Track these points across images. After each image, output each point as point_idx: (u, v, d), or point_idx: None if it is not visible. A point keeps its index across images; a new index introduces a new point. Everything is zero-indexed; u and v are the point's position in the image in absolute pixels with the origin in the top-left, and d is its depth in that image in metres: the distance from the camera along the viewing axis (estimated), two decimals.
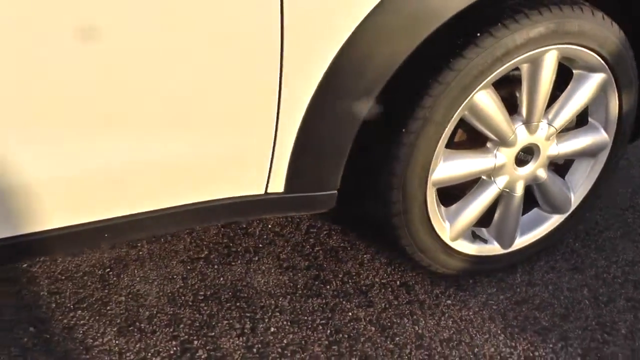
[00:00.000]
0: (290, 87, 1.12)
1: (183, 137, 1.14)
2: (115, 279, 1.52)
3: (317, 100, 1.15)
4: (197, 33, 1.04)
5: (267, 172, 1.23)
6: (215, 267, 1.54)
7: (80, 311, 1.45)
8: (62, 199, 1.11)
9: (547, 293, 1.55)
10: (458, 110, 1.28)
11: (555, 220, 1.61)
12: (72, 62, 0.99)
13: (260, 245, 1.61)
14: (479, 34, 1.25)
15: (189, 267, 1.54)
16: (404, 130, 1.25)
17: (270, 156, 1.20)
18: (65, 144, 1.06)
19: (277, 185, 1.26)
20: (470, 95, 1.28)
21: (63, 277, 1.55)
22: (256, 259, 1.57)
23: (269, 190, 1.26)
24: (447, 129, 1.29)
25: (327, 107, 1.17)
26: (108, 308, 1.45)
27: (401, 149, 1.26)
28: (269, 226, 1.67)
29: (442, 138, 1.30)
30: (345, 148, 1.23)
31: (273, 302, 1.45)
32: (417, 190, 1.33)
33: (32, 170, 1.06)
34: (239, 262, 1.55)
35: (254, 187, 1.25)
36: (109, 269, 1.55)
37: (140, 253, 1.59)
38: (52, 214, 1.12)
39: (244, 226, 1.66)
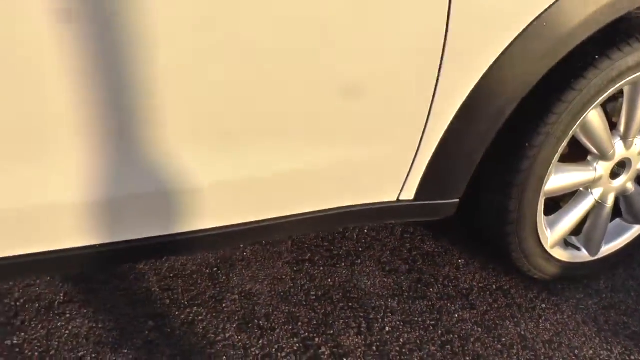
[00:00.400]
0: (441, 101, 1.19)
1: (332, 147, 1.20)
2: (224, 278, 1.58)
3: (461, 114, 1.23)
4: (357, 41, 1.10)
5: (404, 180, 1.30)
6: (321, 268, 1.61)
7: (196, 308, 1.50)
8: (221, 202, 1.18)
9: (631, 300, 1.64)
10: (574, 127, 1.38)
11: (636, 230, 1.71)
12: (245, 71, 1.06)
13: (360, 249, 1.68)
14: (597, 57, 1.35)
15: (295, 269, 1.61)
16: (527, 144, 1.34)
17: (410, 166, 1.28)
18: (227, 151, 1.12)
19: (409, 193, 1.33)
20: (586, 113, 1.37)
21: (171, 275, 1.60)
22: (359, 262, 1.64)
23: (400, 198, 1.34)
24: (563, 144, 1.38)
25: (467, 121, 1.25)
26: (223, 305, 1.50)
27: (523, 161, 1.35)
28: (365, 231, 1.74)
29: (558, 152, 1.39)
30: (476, 159, 1.31)
31: (383, 303, 1.52)
32: (532, 201, 1.41)
33: (197, 175, 1.12)
34: (343, 264, 1.62)
35: (388, 195, 1.33)
36: (216, 268, 1.61)
37: (245, 254, 1.65)
38: (211, 215, 1.18)
39: (341, 230, 1.73)
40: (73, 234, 1.10)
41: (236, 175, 1.15)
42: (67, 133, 1.01)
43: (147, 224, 1.13)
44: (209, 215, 1.17)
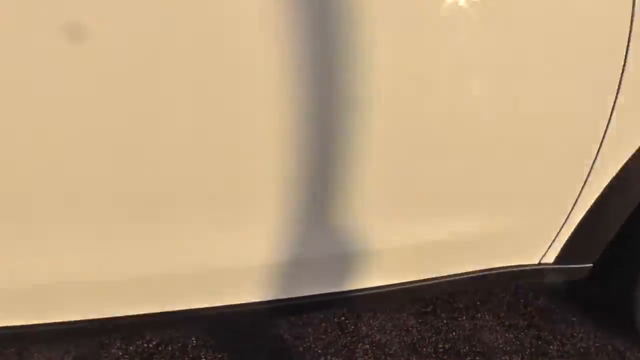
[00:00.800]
0: (599, 169, 1.28)
1: (491, 214, 1.29)
2: (353, 327, 1.66)
3: (615, 181, 1.31)
4: (522, 111, 1.19)
5: (548, 245, 1.38)
6: (444, 321, 1.68)
7: (329, 356, 1.57)
8: (391, 263, 1.27)
9: None
10: None
11: None
12: (430, 152, 1.16)
13: (478, 303, 1.75)
14: None
15: (420, 320, 1.68)
16: None
17: (558, 231, 1.36)
18: (404, 218, 1.22)
19: (550, 256, 1.41)
20: None
21: (301, 323, 1.68)
22: (479, 315, 1.71)
23: (541, 261, 1.42)
24: None
25: (619, 187, 1.33)
26: (357, 354, 1.58)
27: None
28: None
29: None
30: (617, 225, 1.39)
31: (508, 358, 1.59)
32: None
33: (376, 238, 1.22)
34: (464, 317, 1.70)
35: (530, 258, 1.41)
36: (343, 317, 1.69)
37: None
38: (380, 274, 1.27)
39: None
40: (256, 290, 1.20)
41: (407, 240, 1.24)
42: (267, 201, 1.12)
43: (324, 281, 1.22)
44: (378, 274, 1.26)
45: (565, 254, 1.40)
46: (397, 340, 1.62)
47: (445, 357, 1.58)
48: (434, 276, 1.32)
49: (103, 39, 0.92)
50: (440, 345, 1.61)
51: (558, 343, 1.66)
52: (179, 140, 1.02)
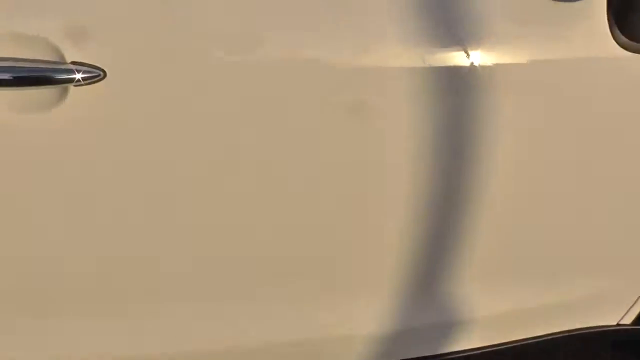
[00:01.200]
0: None
1: (574, 279, 1.34)
2: None
3: None
4: (607, 182, 1.25)
5: (628, 307, 1.43)
6: None
7: None
8: (479, 328, 1.32)
9: None
10: None
11: None
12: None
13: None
14: None
15: None
16: None
17: (638, 295, 1.40)
18: (501, 286, 1.28)
19: (629, 317, 1.45)
20: None
21: None
22: None
23: (620, 322, 1.46)
24: None
25: None
26: None
27: None
28: None
29: None
30: None
31: None
32: None
33: (475, 306, 1.28)
34: None
35: (608, 319, 1.45)
36: None
37: None
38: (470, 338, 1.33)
39: None
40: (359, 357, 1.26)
41: (500, 306, 1.29)
42: (373, 271, 1.18)
43: (422, 346, 1.28)
44: (473, 338, 1.31)
45: None
46: None
47: None
48: (519, 338, 1.37)
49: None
50: None
51: None
52: (296, 214, 1.09)
